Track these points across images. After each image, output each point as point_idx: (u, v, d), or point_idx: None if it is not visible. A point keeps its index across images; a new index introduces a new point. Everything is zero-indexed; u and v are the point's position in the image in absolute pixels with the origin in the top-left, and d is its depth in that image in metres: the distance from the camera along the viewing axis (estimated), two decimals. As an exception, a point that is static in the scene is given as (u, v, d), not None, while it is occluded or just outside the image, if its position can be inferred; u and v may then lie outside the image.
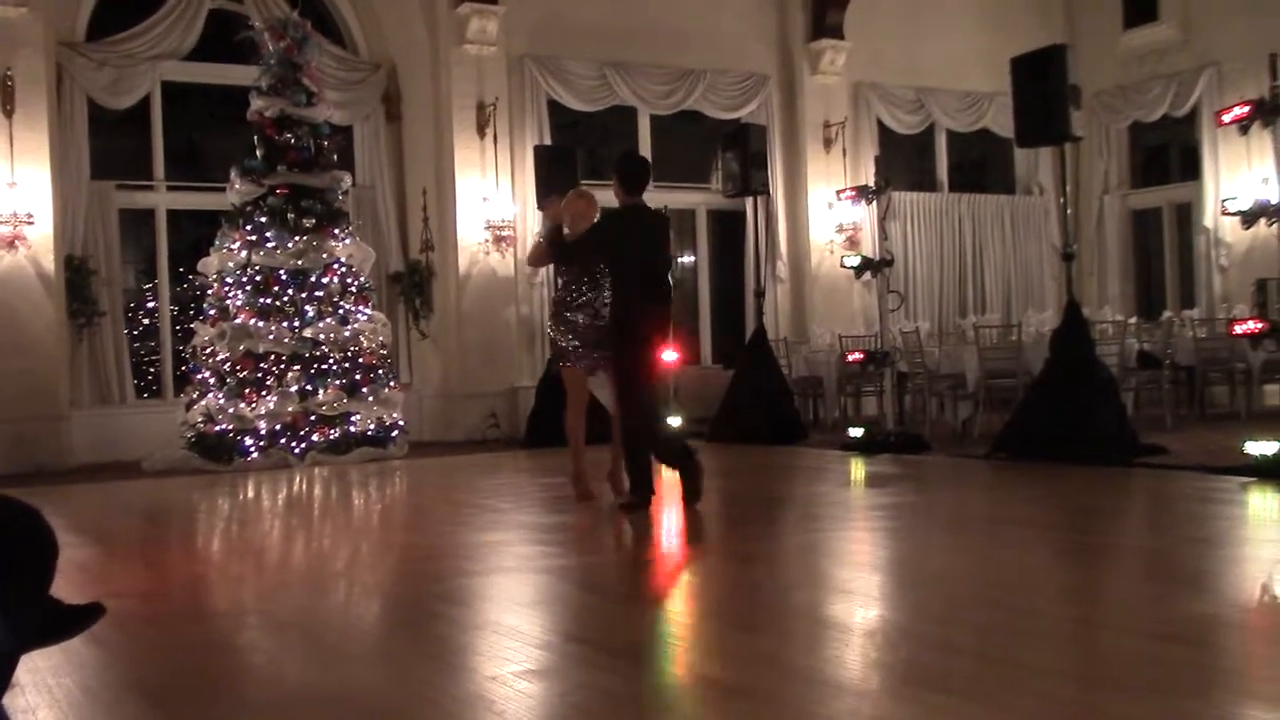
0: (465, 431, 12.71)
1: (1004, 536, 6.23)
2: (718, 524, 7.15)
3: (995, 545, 5.96)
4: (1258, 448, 7.46)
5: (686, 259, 14.68)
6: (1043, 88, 8.80)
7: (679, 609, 4.80)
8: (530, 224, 13.10)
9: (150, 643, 4.29)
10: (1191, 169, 15.15)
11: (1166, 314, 13.50)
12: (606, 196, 7.52)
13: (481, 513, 7.73)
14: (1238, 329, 7.78)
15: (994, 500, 7.84)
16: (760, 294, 12.21)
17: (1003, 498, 7.88)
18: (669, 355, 7.27)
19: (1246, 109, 7.75)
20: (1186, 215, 15.36)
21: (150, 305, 12.93)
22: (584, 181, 12.36)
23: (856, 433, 10.28)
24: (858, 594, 4.79)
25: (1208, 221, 14.58)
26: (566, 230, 7.35)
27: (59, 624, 3.06)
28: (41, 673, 3.65)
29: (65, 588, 3.07)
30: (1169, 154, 16.10)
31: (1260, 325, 7.59)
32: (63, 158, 11.56)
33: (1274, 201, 7.63)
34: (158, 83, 12.40)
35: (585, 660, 3.84)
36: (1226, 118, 7.94)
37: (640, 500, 6.99)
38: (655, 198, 13.76)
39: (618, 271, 7.13)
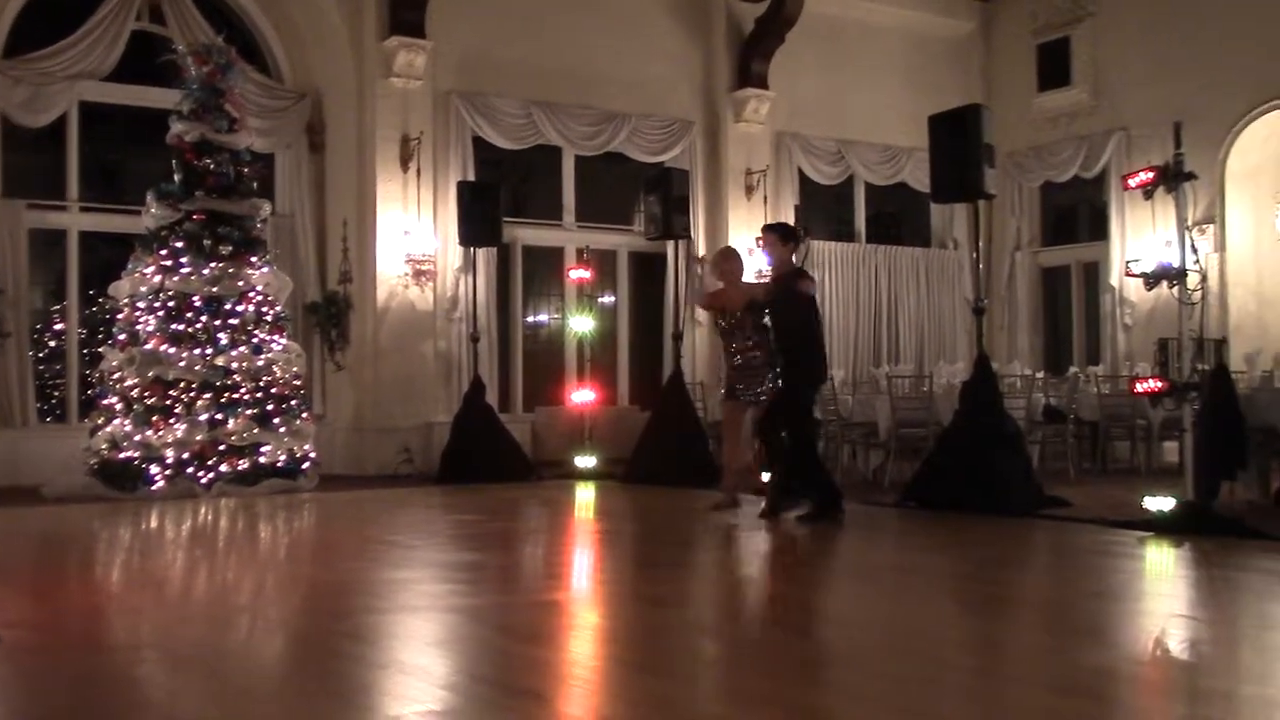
0: (378, 466, 12.57)
1: (910, 585, 6.31)
2: (628, 565, 7.17)
3: (902, 594, 6.04)
4: (1156, 503, 7.67)
5: (606, 299, 14.72)
6: (959, 145, 9.03)
7: (585, 651, 4.79)
8: (450, 259, 13.08)
9: (43, 676, 4.18)
10: (1099, 229, 15.60)
11: (1072, 370, 13.81)
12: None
13: (391, 549, 7.64)
14: (1139, 387, 7.95)
15: (902, 549, 7.95)
16: (678, 337, 12.28)
17: (910, 546, 7.99)
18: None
19: (1151, 175, 7.96)
20: (1094, 274, 15.78)
21: (58, 327, 12.64)
22: (506, 219, 12.50)
23: (768, 478, 10.32)
24: (764, 639, 4.82)
25: (1114, 281, 15.01)
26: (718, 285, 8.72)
27: None
28: (-73, 705, 3.54)
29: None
30: (1078, 214, 16.55)
31: (1161, 384, 7.78)
32: (-27, 175, 11.32)
33: (1175, 265, 7.84)
34: (75, 102, 12.19)
35: (490, 701, 3.81)
36: (1132, 182, 8.15)
37: (822, 510, 8.28)
38: (577, 238, 14.00)
39: (812, 329, 8.44)
